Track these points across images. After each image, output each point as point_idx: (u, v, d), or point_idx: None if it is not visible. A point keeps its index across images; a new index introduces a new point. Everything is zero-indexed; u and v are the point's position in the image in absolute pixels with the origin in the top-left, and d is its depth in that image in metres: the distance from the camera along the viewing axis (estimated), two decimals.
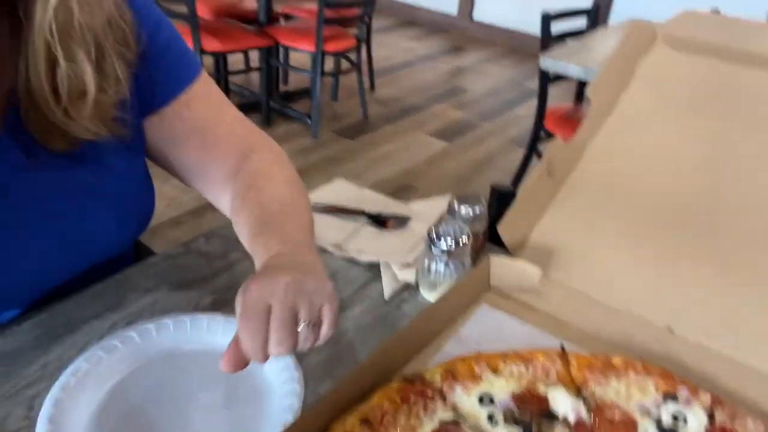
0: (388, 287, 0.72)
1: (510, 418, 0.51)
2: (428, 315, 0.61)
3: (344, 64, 3.35)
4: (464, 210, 0.73)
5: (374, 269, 0.76)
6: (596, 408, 0.52)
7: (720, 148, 0.75)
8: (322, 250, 0.77)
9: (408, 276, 0.73)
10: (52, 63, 0.53)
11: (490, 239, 0.78)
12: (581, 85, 2.35)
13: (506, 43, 4.91)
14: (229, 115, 0.71)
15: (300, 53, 2.96)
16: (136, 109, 0.65)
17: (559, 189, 0.79)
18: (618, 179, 0.77)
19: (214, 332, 0.61)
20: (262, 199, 0.62)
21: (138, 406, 0.55)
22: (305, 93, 3.37)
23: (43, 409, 0.51)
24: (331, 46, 2.87)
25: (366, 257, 0.76)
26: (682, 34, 0.84)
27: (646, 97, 0.82)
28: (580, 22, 2.43)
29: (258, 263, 0.55)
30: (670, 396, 0.53)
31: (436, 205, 0.88)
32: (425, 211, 0.87)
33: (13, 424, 0.52)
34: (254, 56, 3.41)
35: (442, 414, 0.51)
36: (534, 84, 2.20)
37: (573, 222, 0.76)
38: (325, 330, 0.47)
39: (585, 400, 0.53)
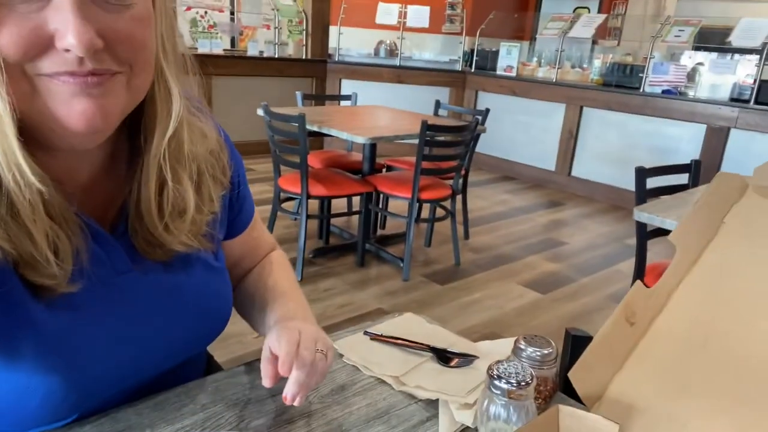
0: (443, 428, 0.67)
1: None
2: None
3: (440, 213, 3.47)
4: (531, 350, 0.69)
5: (432, 408, 0.71)
6: None
7: None
8: (381, 381, 0.75)
9: (466, 418, 0.68)
10: (161, 183, 0.63)
11: (563, 390, 0.72)
12: None
13: (606, 199, 4.87)
14: (260, 224, 0.89)
15: (398, 200, 3.12)
16: (224, 225, 0.76)
17: (641, 339, 0.73)
18: (707, 331, 0.70)
19: None
20: (277, 278, 0.84)
21: None
22: (401, 237, 3.49)
23: None
24: (426, 195, 3.01)
25: (424, 394, 0.73)
26: None
27: (736, 246, 0.76)
28: (683, 179, 2.38)
29: (275, 315, 0.75)
30: None
31: (507, 345, 0.84)
32: (494, 350, 0.83)
33: None
34: (357, 201, 3.63)
35: None
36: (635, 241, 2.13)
37: (657, 378, 0.68)
38: (328, 363, 0.68)
39: None
